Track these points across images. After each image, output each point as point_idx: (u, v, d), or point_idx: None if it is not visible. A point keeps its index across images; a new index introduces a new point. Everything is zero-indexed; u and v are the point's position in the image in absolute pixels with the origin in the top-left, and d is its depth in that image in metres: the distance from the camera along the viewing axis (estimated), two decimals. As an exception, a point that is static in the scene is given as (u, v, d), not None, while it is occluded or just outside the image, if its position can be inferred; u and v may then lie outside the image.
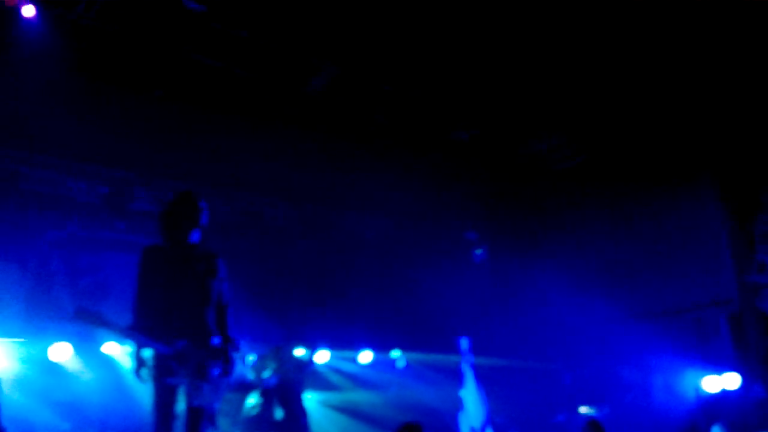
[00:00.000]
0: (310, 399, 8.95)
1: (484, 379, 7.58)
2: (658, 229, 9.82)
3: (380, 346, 9.33)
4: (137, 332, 4.24)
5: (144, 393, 6.68)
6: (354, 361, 9.19)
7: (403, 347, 9.44)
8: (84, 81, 6.80)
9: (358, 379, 9.30)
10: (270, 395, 7.88)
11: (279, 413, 7.80)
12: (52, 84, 6.47)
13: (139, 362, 4.30)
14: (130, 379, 7.01)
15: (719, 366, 9.10)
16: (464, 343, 7.64)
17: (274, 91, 7.56)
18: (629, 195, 9.87)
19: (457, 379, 7.66)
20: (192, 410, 4.31)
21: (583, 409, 9.07)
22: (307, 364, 8.56)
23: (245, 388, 7.71)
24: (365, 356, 9.19)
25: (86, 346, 7.01)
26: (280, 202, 9.19)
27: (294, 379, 8.37)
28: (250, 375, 7.14)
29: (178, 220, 4.64)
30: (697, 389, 9.03)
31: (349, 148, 8.46)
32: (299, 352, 8.79)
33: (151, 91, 7.22)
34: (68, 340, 6.87)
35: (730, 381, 8.87)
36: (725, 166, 9.52)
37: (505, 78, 7.80)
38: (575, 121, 8.87)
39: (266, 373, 7.82)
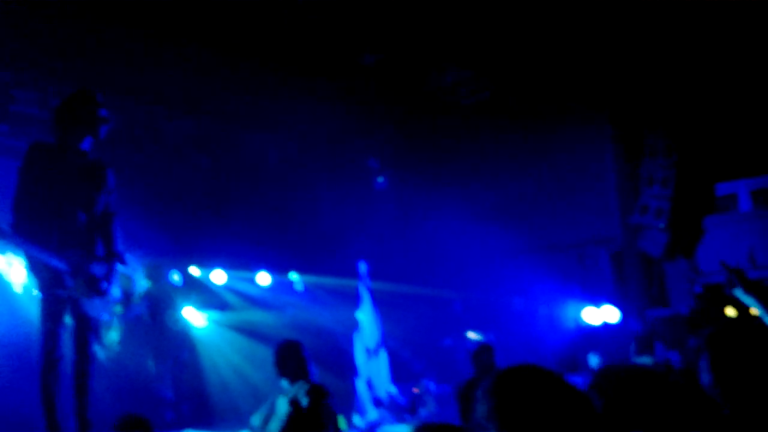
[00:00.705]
0: (207, 318, 8.90)
1: (379, 303, 7.72)
2: (553, 168, 10.13)
3: (279, 268, 9.31)
4: (31, 243, 3.98)
5: (28, 304, 6.41)
6: (252, 281, 9.15)
7: (302, 270, 9.47)
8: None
9: (256, 300, 9.29)
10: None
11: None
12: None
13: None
14: (12, 289, 6.72)
15: (599, 300, 9.65)
16: (362, 267, 7.72)
17: (183, 1, 7.15)
18: (529, 133, 10.08)
19: (354, 302, 7.76)
20: (81, 323, 4.22)
21: (471, 335, 9.44)
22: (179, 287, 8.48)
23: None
24: (263, 277, 9.15)
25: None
26: (180, 117, 8.83)
27: (166, 299, 8.30)
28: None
29: (74, 123, 4.32)
30: (578, 320, 9.57)
31: (257, 67, 8.17)
32: (194, 270, 8.66)
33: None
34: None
35: (609, 314, 9.44)
36: (620, 110, 9.86)
37: (418, 4, 7.67)
38: (483, 57, 8.88)
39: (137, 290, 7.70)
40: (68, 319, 4.21)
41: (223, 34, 7.70)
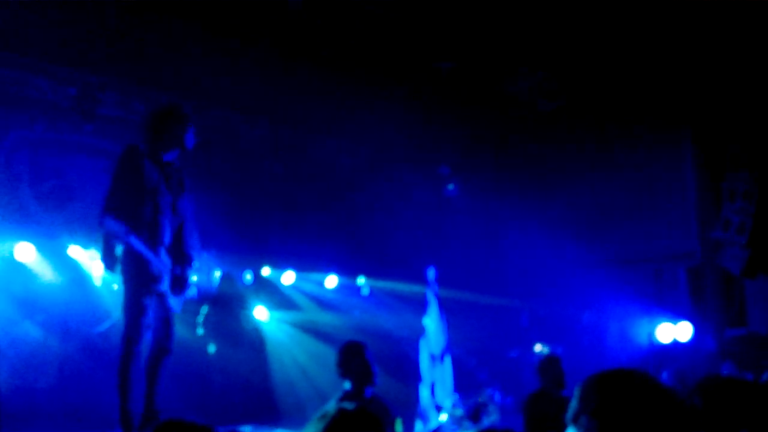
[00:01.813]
0: (273, 317, 9.09)
1: (447, 311, 7.69)
2: (630, 180, 9.90)
3: (347, 272, 9.42)
4: (144, 244, 4.31)
5: (107, 296, 6.70)
6: (320, 284, 9.29)
7: (369, 274, 9.54)
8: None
9: (322, 302, 9.42)
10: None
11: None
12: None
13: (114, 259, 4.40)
14: (92, 281, 7.04)
15: (674, 316, 9.35)
16: (431, 273, 7.71)
17: (256, 7, 7.35)
18: (606, 143, 9.89)
19: (421, 308, 7.76)
20: (166, 319, 4.52)
21: (538, 347, 9.30)
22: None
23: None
24: (331, 280, 9.28)
25: (50, 247, 6.97)
26: (256, 122, 9.05)
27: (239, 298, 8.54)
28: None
29: (167, 136, 4.62)
30: (650, 337, 9.29)
31: (330, 73, 8.31)
32: (265, 271, 8.86)
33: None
34: (32, 240, 6.81)
35: (683, 332, 9.13)
36: (701, 122, 9.55)
37: (493, 11, 7.64)
38: (560, 63, 8.77)
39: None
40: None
41: (298, 40, 7.87)
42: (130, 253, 4.33)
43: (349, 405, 2.23)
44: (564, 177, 10.14)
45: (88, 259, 6.97)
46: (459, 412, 6.96)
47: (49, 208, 7.19)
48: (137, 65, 7.57)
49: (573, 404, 1.54)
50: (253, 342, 8.83)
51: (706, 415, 1.98)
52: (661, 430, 1.45)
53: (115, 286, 4.77)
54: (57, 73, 7.43)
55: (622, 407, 1.48)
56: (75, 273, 7.06)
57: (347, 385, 4.35)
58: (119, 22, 7.17)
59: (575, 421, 1.52)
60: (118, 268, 4.44)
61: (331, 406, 2.16)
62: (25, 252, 6.80)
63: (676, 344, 9.11)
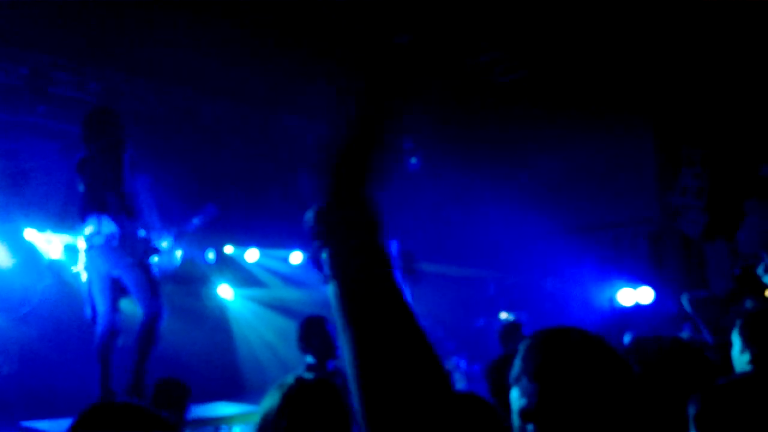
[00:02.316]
0: (238, 295, 9.07)
1: (412, 283, 7.74)
2: (591, 148, 10.00)
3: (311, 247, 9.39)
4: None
5: (64, 280, 6.62)
6: (284, 260, 9.27)
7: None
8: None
9: (288, 278, 9.41)
10: None
11: None
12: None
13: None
14: (50, 264, 6.96)
15: (635, 281, 9.53)
16: (394, 246, 7.74)
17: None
18: (567, 113, 9.95)
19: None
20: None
21: (503, 315, 9.42)
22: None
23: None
24: (296, 256, 9.26)
25: (6, 231, 6.84)
26: (217, 100, 8.94)
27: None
28: None
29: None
30: (612, 301, 9.47)
31: (290, 50, 8.22)
32: (228, 249, 8.81)
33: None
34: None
35: (644, 295, 9.32)
36: (662, 91, 9.67)
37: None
38: (521, 36, 8.78)
39: None
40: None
41: (258, 16, 7.75)
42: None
43: (308, 375, 2.24)
44: (527, 148, 10.21)
45: (45, 242, 6.86)
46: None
47: (3, 191, 7.05)
48: (92, 44, 7.40)
49: (515, 364, 1.46)
50: (218, 320, 8.82)
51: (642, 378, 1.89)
52: (604, 393, 1.34)
53: (75, 269, 4.79)
54: (8, 54, 7.24)
55: (563, 369, 1.37)
56: (32, 256, 6.95)
57: (309, 359, 4.34)
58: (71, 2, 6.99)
59: (517, 382, 1.43)
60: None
61: (289, 377, 2.16)
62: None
63: (637, 308, 9.30)
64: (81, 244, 4.95)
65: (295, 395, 2.02)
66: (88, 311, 4.86)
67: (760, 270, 2.87)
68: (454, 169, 10.15)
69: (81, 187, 5.03)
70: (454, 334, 9.38)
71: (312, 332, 4.37)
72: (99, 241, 4.81)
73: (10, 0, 6.58)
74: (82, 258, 4.89)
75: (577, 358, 1.38)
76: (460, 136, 10.55)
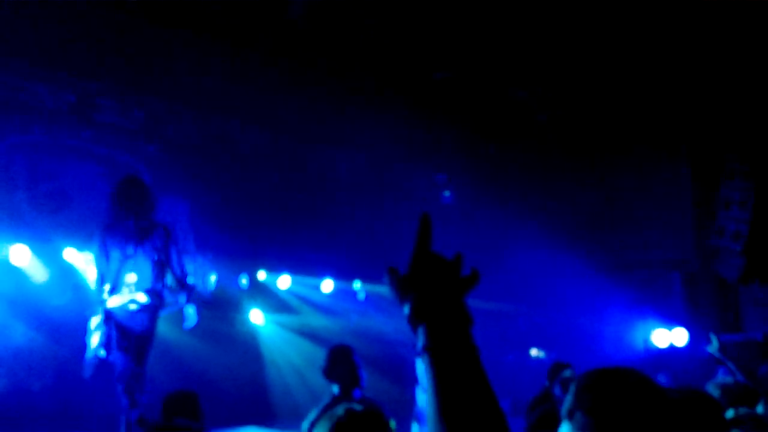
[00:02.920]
0: (269, 320, 9.12)
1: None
2: (627, 188, 9.96)
3: (342, 276, 9.44)
4: None
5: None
6: (316, 288, 9.32)
7: (365, 279, 9.56)
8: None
9: (319, 306, 9.45)
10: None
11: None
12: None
13: None
14: (88, 284, 7.08)
15: (670, 322, 9.38)
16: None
17: (254, 15, 7.40)
18: (603, 152, 9.95)
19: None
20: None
21: (534, 351, 9.31)
22: None
23: None
24: (327, 285, 9.30)
25: (45, 250, 7.00)
26: (253, 129, 9.10)
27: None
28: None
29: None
30: (646, 342, 9.32)
31: (327, 81, 8.36)
32: (261, 275, 8.89)
33: (130, 2, 7.03)
34: (27, 243, 6.84)
35: (679, 337, 9.16)
36: (697, 131, 9.62)
37: (491, 21, 7.70)
38: (557, 74, 8.84)
39: None
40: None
41: (298, 49, 7.92)
42: None
43: (356, 406, 2.26)
44: (562, 185, 10.19)
45: (83, 262, 6.99)
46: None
47: (44, 211, 7.22)
48: (136, 72, 7.61)
49: (568, 400, 1.56)
50: (249, 345, 8.86)
51: None
52: (655, 428, 1.45)
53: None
54: (56, 79, 7.47)
55: (617, 404, 1.48)
56: (70, 276, 7.08)
57: (335, 388, 4.32)
58: (119, 29, 7.22)
59: (570, 417, 1.53)
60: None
61: (339, 408, 2.18)
62: (20, 255, 6.82)
63: (672, 349, 9.15)
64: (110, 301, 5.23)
65: (346, 426, 2.04)
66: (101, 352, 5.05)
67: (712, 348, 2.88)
68: (487, 204, 10.15)
69: (116, 253, 5.30)
70: (485, 368, 9.28)
71: (338, 361, 4.34)
72: (133, 308, 5.16)
73: (60, 29, 6.84)
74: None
75: (630, 395, 1.48)
76: (495, 172, 10.58)
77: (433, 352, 1.22)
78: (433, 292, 1.28)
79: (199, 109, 8.42)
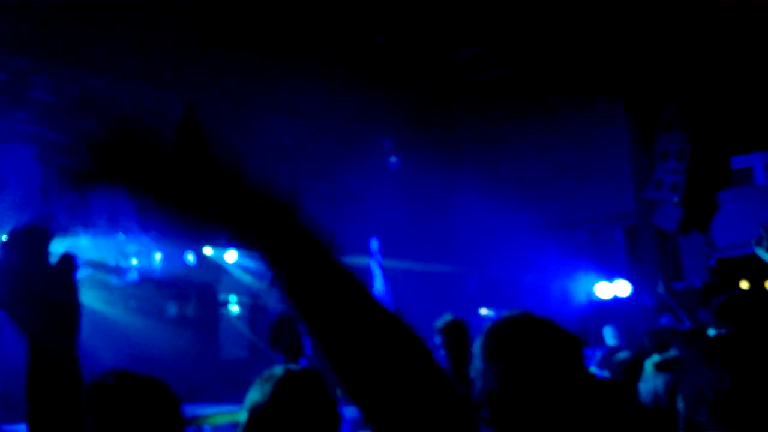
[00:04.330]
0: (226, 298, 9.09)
1: (393, 281, 7.78)
2: (567, 145, 10.11)
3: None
4: None
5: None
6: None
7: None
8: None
9: (267, 278, 9.41)
10: None
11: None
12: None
13: None
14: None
15: (612, 275, 9.65)
16: (374, 243, 7.77)
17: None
18: (543, 110, 10.06)
19: (366, 279, 7.82)
20: None
21: (484, 311, 9.49)
22: None
23: None
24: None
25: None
26: (194, 104, 8.92)
27: None
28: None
29: None
30: (590, 295, 9.59)
31: (269, 51, 8.23)
32: (208, 251, 8.81)
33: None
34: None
35: (622, 288, 9.45)
36: (634, 85, 9.79)
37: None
38: (496, 34, 8.86)
39: None
40: None
41: (231, 19, 7.76)
42: None
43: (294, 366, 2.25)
44: (505, 145, 10.30)
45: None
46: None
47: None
48: (68, 48, 7.37)
49: (473, 354, 1.52)
50: (201, 322, 8.83)
51: None
52: (557, 368, 1.42)
53: None
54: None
55: (517, 350, 1.44)
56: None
57: (281, 358, 4.35)
58: (49, 5, 6.97)
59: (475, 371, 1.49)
60: None
61: (276, 369, 2.17)
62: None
63: (616, 301, 9.43)
64: None
65: (287, 385, 2.03)
66: None
67: (760, 250, 2.93)
68: (435, 167, 10.21)
69: None
70: (436, 331, 9.43)
71: (281, 331, 4.39)
72: None
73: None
74: None
75: (529, 339, 1.46)
76: (440, 134, 10.63)
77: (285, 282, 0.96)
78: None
79: (134, 83, 8.21)
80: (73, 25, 7.14)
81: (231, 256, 9.04)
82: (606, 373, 4.33)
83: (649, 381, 3.50)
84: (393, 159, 10.87)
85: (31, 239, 1.18)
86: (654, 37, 8.58)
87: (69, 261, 1.21)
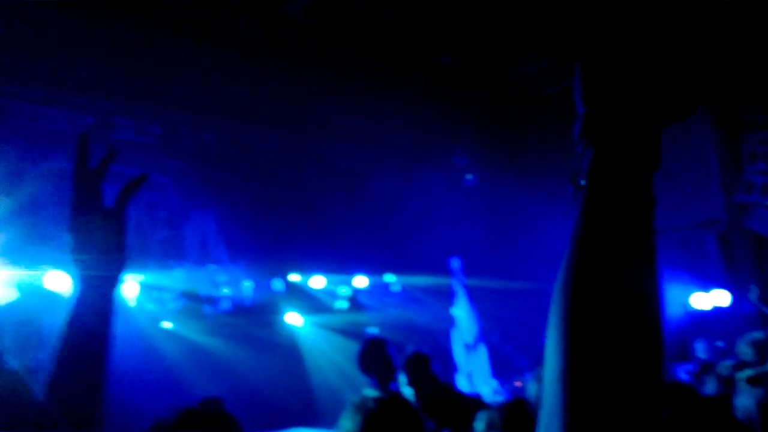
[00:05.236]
0: (307, 321, 9.18)
1: (476, 299, 7.70)
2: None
3: (374, 271, 9.46)
4: None
5: (141, 316, 6.83)
6: (349, 285, 9.36)
7: (397, 271, 9.57)
8: (66, 13, 6.68)
9: (354, 303, 9.49)
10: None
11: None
12: (36, 19, 6.39)
13: None
14: (126, 303, 7.17)
15: (708, 284, 9.26)
16: (455, 263, 7.72)
17: (254, 18, 7.42)
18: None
19: (449, 299, 7.76)
20: None
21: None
22: None
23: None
24: (360, 280, 9.34)
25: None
26: (265, 132, 9.14)
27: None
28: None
29: None
30: (685, 305, 9.22)
31: (335, 77, 8.37)
32: (294, 277, 8.95)
33: (133, 18, 7.09)
34: (63, 268, 6.94)
35: (720, 298, 9.05)
36: (717, 87, 9.46)
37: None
38: (564, 47, 8.74)
39: None
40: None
41: (300, 48, 7.93)
42: None
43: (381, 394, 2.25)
44: (578, 156, 10.07)
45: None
46: (500, 398, 6.98)
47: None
48: (149, 87, 7.68)
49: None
50: (289, 347, 8.94)
51: None
52: None
53: None
54: (72, 104, 7.57)
55: None
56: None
57: (370, 382, 4.34)
58: (128, 47, 7.30)
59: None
60: None
61: (368, 397, 2.17)
62: (57, 280, 6.92)
63: (716, 311, 9.04)
64: None
65: (376, 414, 2.04)
66: None
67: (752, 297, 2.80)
68: (510, 182, 10.09)
69: None
70: (524, 350, 9.25)
71: (372, 355, 4.36)
72: None
73: (70, 54, 6.92)
74: None
75: None
76: (512, 149, 10.51)
77: (591, 187, 0.86)
78: (617, 106, 0.88)
79: (213, 118, 8.48)
80: (153, 64, 7.44)
81: (317, 281, 9.17)
82: (706, 387, 4.15)
83: (743, 395, 3.32)
84: (469, 177, 10.80)
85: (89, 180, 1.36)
86: (735, 35, 8.29)
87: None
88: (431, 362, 4.26)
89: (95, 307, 1.28)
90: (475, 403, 3.72)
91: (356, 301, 9.38)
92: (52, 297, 6.89)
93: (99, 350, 1.26)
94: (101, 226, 1.32)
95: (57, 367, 1.23)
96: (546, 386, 0.81)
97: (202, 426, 1.79)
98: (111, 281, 1.32)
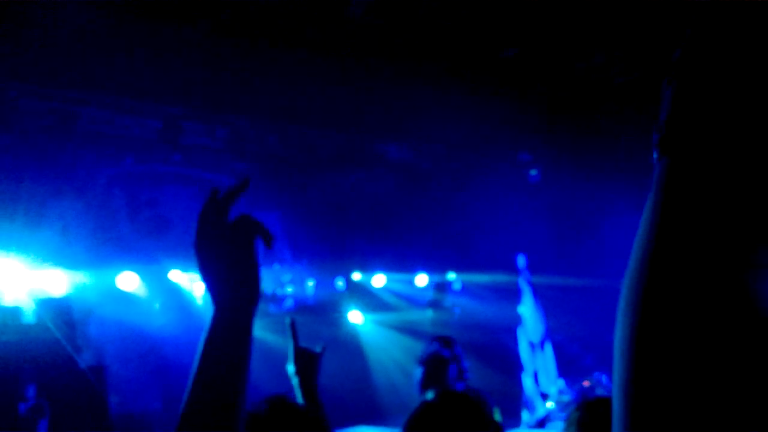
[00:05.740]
0: (368, 320, 9.23)
1: (541, 297, 7.58)
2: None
3: (436, 269, 9.44)
4: None
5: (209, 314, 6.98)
6: (410, 283, 9.36)
7: (459, 269, 9.52)
8: (136, 21, 6.87)
9: (416, 301, 9.48)
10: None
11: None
12: (107, 27, 6.59)
13: None
14: (196, 304, 7.35)
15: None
16: (521, 260, 7.61)
17: (318, 19, 7.46)
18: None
19: (515, 297, 7.67)
20: None
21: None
22: None
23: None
24: (421, 279, 9.32)
25: (152, 275, 7.30)
26: (327, 133, 9.22)
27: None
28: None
29: None
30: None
31: (396, 76, 8.36)
32: (356, 276, 9.01)
33: (198, 24, 7.24)
34: (133, 269, 7.15)
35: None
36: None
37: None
38: (631, 37, 8.51)
39: None
40: None
41: (362, 48, 7.94)
42: None
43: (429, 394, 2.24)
44: (645, 149, 9.78)
45: (189, 281, 7.26)
46: (566, 398, 6.86)
47: (147, 237, 7.55)
48: (216, 93, 7.83)
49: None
50: (351, 345, 9.01)
51: None
52: None
53: None
54: (141, 109, 7.79)
55: None
56: (177, 296, 7.36)
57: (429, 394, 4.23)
58: (195, 54, 7.45)
59: None
60: None
61: (431, 397, 2.17)
62: (128, 281, 7.14)
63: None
64: None
65: (435, 407, 2.03)
66: None
67: None
68: (577, 177, 9.89)
69: None
70: (591, 348, 9.08)
71: (432, 374, 4.11)
72: None
73: (139, 60, 7.12)
74: None
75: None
76: (577, 143, 10.29)
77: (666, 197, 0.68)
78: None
79: (277, 120, 8.60)
80: (218, 68, 7.59)
81: (379, 280, 9.21)
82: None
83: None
84: (533, 172, 10.64)
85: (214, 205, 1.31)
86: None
87: (248, 222, 1.33)
88: (448, 366, 4.07)
89: (231, 339, 1.27)
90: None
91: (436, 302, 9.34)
92: (125, 297, 7.12)
93: (236, 381, 1.24)
94: (231, 257, 1.27)
95: (192, 399, 1.20)
96: (614, 390, 0.68)
97: (294, 416, 1.84)
98: (246, 313, 1.29)
